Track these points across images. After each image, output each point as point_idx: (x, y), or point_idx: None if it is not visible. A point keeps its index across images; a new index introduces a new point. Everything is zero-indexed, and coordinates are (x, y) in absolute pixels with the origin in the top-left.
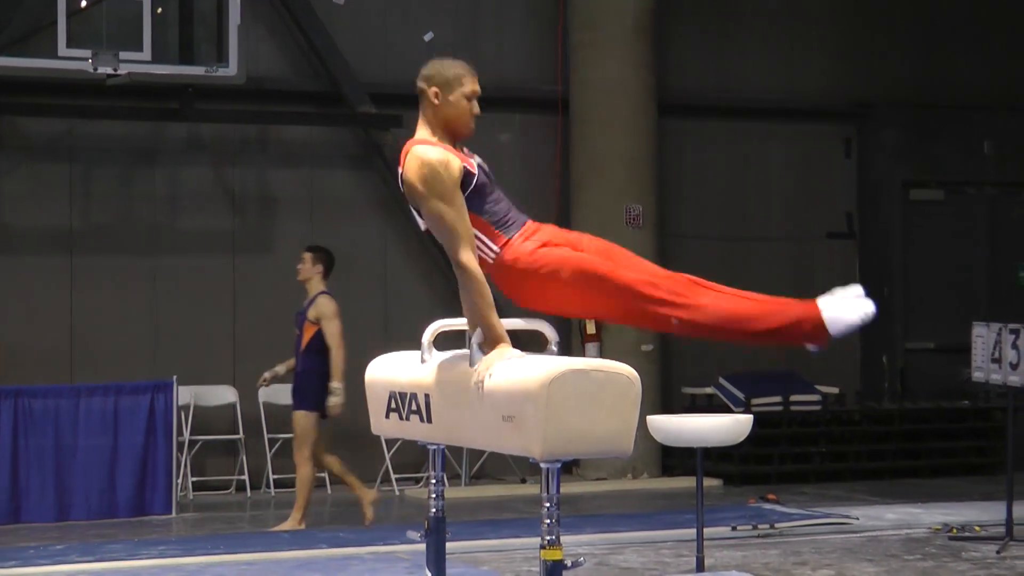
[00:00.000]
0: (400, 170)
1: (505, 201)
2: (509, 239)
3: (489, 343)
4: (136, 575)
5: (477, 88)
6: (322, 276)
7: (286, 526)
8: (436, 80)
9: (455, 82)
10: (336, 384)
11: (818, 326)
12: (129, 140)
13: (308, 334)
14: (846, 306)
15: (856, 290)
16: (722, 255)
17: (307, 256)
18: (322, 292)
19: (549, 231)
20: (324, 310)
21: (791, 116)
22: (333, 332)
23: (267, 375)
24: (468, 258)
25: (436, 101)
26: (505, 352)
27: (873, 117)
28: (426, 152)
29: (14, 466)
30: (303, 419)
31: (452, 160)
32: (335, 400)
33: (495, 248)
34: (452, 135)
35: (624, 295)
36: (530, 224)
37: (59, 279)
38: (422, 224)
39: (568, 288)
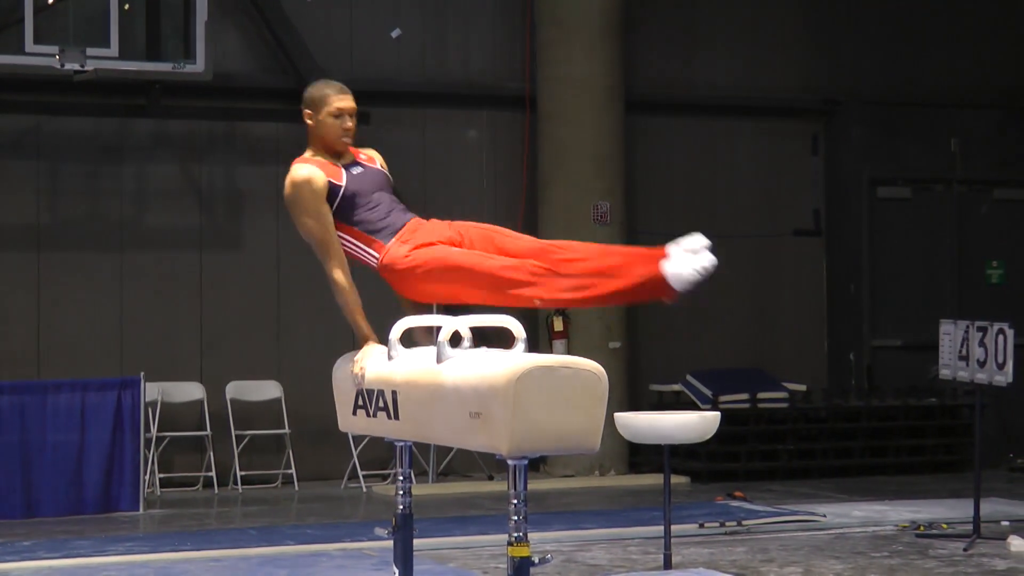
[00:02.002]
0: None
1: (383, 205)
2: (386, 245)
3: (358, 343)
4: (104, 571)
5: (344, 105)
6: None
7: None
8: (306, 102)
9: (320, 102)
10: None
11: (662, 284)
12: (96, 136)
13: None
14: (686, 262)
15: (697, 241)
16: None
17: None
18: None
19: (427, 229)
20: None
21: (758, 113)
22: None
23: None
24: (334, 269)
25: (309, 122)
26: (371, 349)
27: (840, 114)
28: (294, 171)
29: None
30: None
31: (316, 177)
32: None
33: (375, 254)
34: (329, 150)
35: (487, 282)
36: (410, 224)
37: (26, 276)
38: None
39: (441, 282)
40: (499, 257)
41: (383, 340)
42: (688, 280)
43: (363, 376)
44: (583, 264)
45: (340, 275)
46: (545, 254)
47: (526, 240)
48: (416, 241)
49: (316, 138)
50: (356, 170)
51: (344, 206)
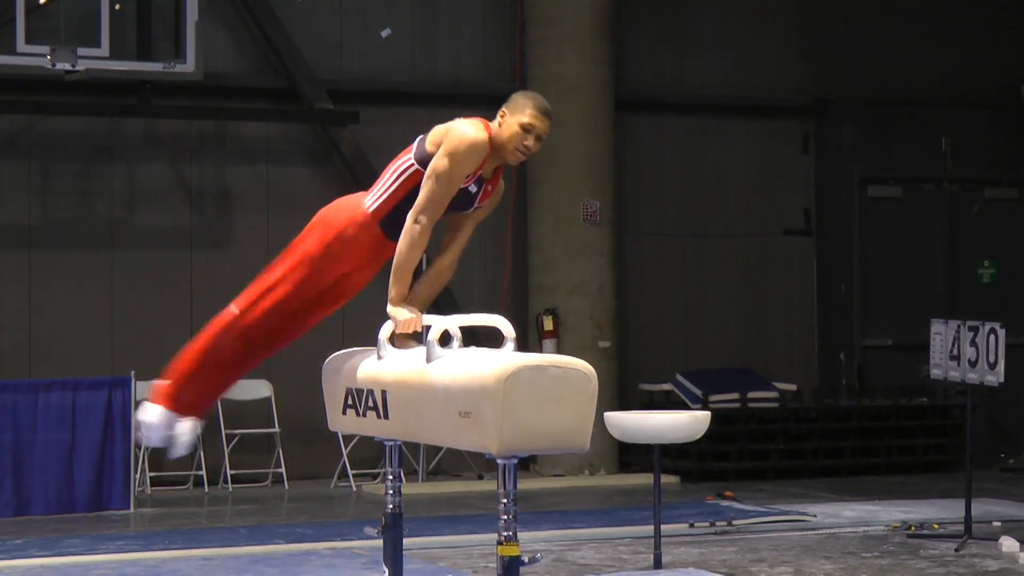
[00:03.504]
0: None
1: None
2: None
3: (392, 299)
4: (95, 570)
5: (537, 124)
6: None
7: None
8: (508, 102)
9: (519, 108)
10: None
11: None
12: (87, 136)
13: None
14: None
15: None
16: (679, 252)
17: None
18: None
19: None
20: None
21: (749, 112)
22: None
23: None
24: (429, 221)
25: (500, 119)
26: (397, 308)
27: (831, 114)
28: (479, 132)
29: None
30: None
31: (481, 156)
32: None
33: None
34: (497, 151)
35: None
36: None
37: (17, 275)
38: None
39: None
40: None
41: (373, 341)
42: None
43: (418, 322)
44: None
45: (429, 229)
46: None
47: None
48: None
49: (497, 135)
50: (473, 187)
51: (406, 196)
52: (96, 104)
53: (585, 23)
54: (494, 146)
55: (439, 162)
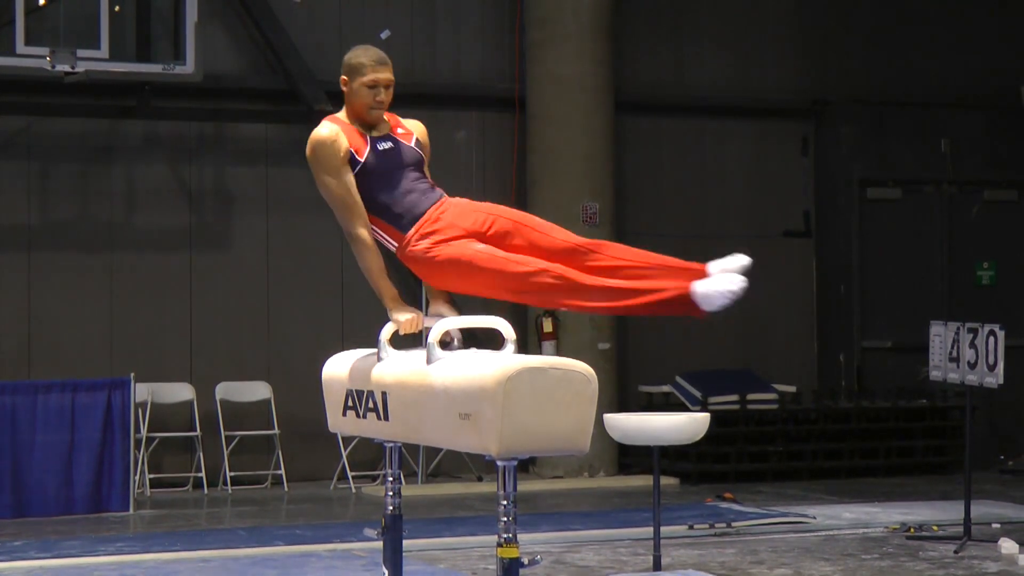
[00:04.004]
0: (402, 120)
1: (404, 185)
2: (405, 235)
3: (386, 305)
4: (95, 571)
5: (380, 76)
6: None
7: None
8: (344, 68)
9: (356, 71)
10: None
11: (690, 303)
12: (86, 137)
13: None
14: (717, 285)
15: (738, 262)
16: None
17: None
18: None
19: (451, 216)
20: None
21: (748, 114)
22: None
23: None
24: (358, 229)
25: (344, 88)
26: (402, 310)
27: (830, 115)
28: (317, 129)
29: None
30: None
31: (340, 139)
32: None
33: (393, 243)
34: (359, 120)
35: (511, 286)
36: (431, 212)
37: (16, 276)
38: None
39: (464, 278)
40: (525, 260)
41: (373, 343)
42: (716, 303)
43: (419, 321)
44: (611, 279)
45: (364, 233)
46: (576, 257)
47: (559, 237)
48: (438, 236)
49: (348, 105)
50: (385, 144)
51: (361, 183)
52: (95, 105)
53: (584, 24)
54: (353, 119)
55: (318, 181)
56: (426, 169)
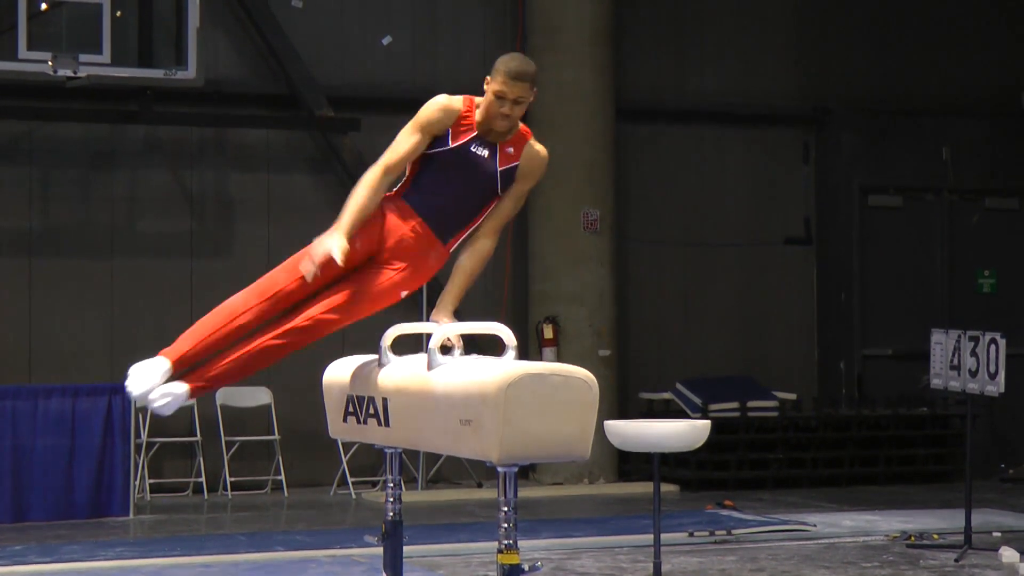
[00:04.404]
0: (529, 141)
1: (444, 191)
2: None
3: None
4: None
5: (507, 90)
6: None
7: None
8: (492, 71)
9: (494, 74)
10: None
11: None
12: (88, 142)
13: None
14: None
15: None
16: (679, 260)
17: None
18: None
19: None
20: None
21: (749, 121)
22: None
23: None
24: (380, 166)
25: (485, 86)
26: (330, 237)
27: (831, 123)
28: (447, 96)
29: None
30: None
31: (447, 115)
32: None
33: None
34: (486, 120)
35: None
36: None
37: (17, 281)
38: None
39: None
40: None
41: (374, 348)
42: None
43: (312, 271)
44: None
45: (376, 174)
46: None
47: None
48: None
49: (483, 106)
50: (479, 149)
51: (427, 164)
52: (97, 110)
53: (585, 31)
54: (483, 115)
55: (408, 123)
56: (511, 199)
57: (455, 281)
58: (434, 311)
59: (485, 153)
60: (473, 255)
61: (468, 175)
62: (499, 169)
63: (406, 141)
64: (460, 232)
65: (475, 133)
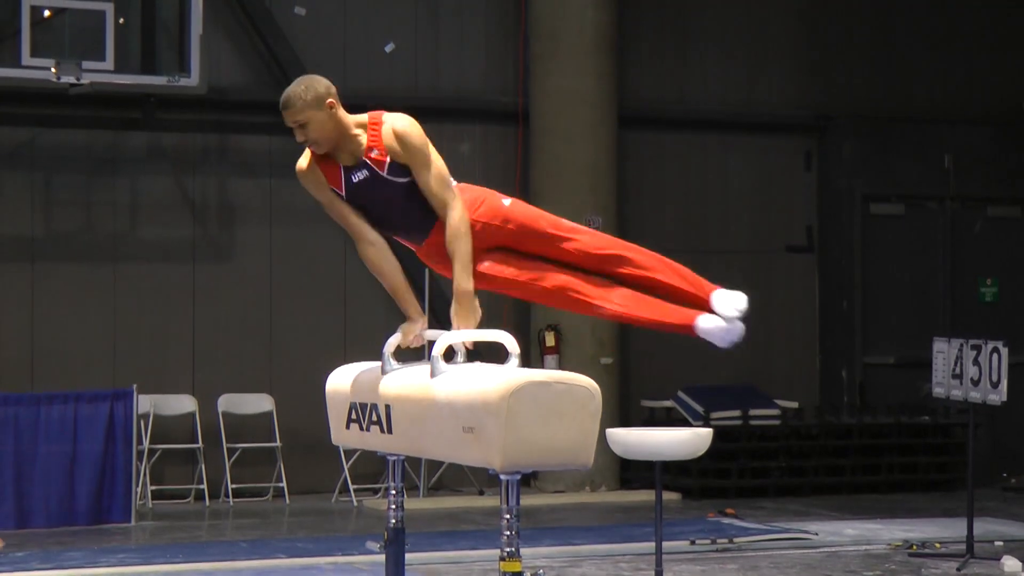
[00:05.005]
0: (382, 128)
1: (397, 213)
2: (422, 245)
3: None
4: None
5: (287, 122)
6: None
7: None
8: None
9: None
10: None
11: (691, 331)
12: (91, 149)
13: None
14: (720, 331)
15: (740, 303)
16: None
17: None
18: None
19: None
20: None
21: (751, 129)
22: None
23: None
24: (363, 252)
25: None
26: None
27: (833, 130)
28: (300, 159)
29: None
30: None
31: (315, 171)
32: None
33: (411, 247)
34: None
35: (523, 291)
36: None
37: (20, 287)
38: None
39: (493, 284)
40: (536, 273)
41: (376, 355)
42: (716, 342)
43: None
44: (616, 300)
45: (371, 253)
46: (590, 262)
47: (577, 243)
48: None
49: None
50: (359, 175)
51: (355, 207)
52: (100, 117)
53: (588, 38)
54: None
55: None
56: (420, 175)
57: (452, 265)
58: (451, 308)
59: (365, 173)
60: (447, 232)
61: (378, 197)
62: (385, 174)
63: (332, 214)
64: (429, 226)
65: (340, 167)
